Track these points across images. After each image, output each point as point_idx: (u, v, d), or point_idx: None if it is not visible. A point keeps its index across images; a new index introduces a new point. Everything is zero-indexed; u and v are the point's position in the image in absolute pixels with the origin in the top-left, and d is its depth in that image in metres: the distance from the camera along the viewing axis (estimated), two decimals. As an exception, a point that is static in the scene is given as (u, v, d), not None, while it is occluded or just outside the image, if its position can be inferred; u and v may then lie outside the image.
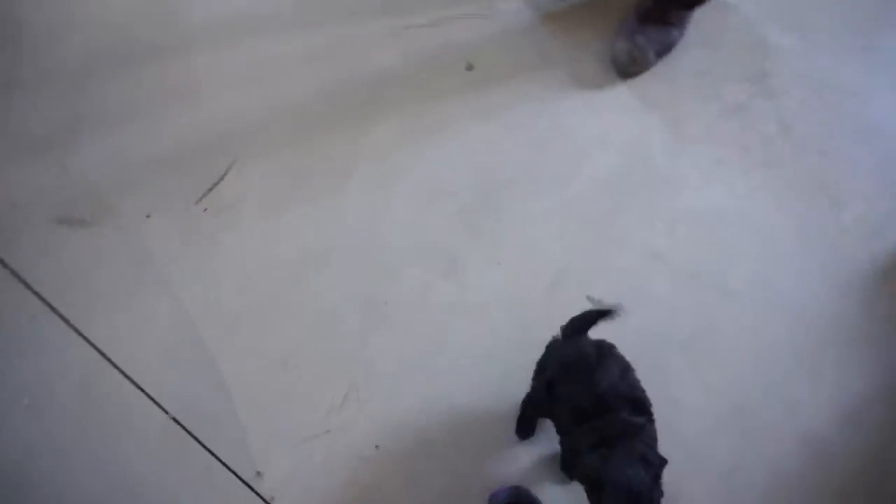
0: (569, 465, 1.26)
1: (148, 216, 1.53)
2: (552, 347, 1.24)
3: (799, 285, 1.49)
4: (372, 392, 1.38)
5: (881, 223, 1.55)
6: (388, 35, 1.75)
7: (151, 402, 1.36)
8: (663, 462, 1.04)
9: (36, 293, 1.44)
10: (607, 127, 1.65)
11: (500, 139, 1.63)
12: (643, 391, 1.14)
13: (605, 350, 1.16)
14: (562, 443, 1.21)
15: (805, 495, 1.32)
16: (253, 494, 1.30)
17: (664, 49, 1.71)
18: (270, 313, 1.44)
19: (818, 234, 1.54)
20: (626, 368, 1.15)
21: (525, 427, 1.33)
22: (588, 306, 1.44)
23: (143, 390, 1.37)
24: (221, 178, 1.57)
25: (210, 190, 1.56)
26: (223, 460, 1.32)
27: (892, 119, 1.68)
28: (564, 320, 1.41)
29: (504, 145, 1.62)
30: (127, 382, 1.37)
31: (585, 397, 1.10)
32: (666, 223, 1.54)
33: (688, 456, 1.34)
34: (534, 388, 1.28)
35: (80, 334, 1.40)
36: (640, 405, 1.12)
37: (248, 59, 1.72)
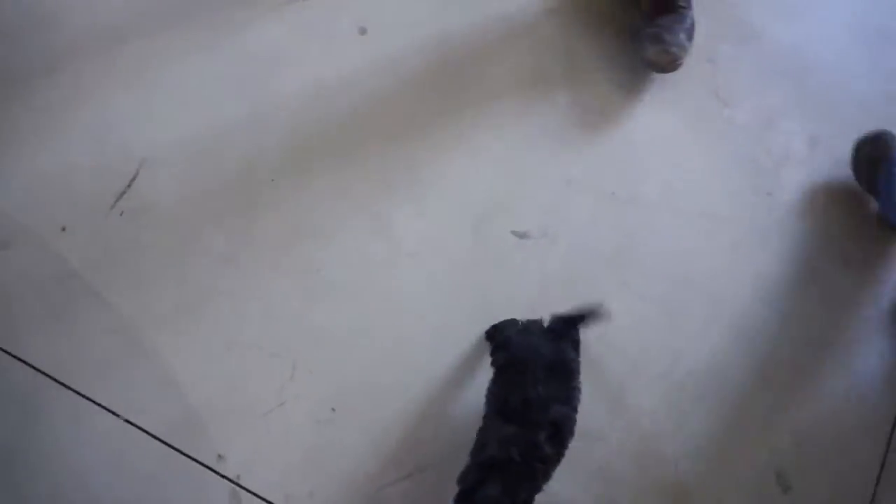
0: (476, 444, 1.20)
1: (63, 229, 1.50)
2: (526, 332, 1.23)
3: (707, 187, 1.58)
4: (320, 358, 1.40)
5: (772, 116, 1.64)
6: (270, 13, 1.72)
7: (102, 410, 1.36)
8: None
9: (-39, 326, 1.41)
10: (509, 65, 1.69)
11: (402, 93, 1.64)
12: (573, 423, 1.14)
13: (568, 367, 1.17)
14: (481, 428, 1.20)
15: (738, 380, 1.42)
16: (219, 478, 1.32)
17: (691, 30, 1.65)
18: (205, 303, 1.44)
19: (717, 136, 1.62)
20: (572, 395, 1.15)
21: None
22: (513, 241, 1.51)
23: (90, 399, 1.36)
24: (133, 180, 1.55)
25: (123, 194, 1.53)
26: (183, 451, 1.33)
27: (768, 19, 1.77)
28: (494, 258, 1.46)
29: (406, 99, 1.64)
30: (74, 396, 1.36)
31: (518, 399, 1.11)
32: (575, 150, 1.60)
33: (628, 363, 1.41)
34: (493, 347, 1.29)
35: (14, 356, 1.37)
36: (560, 435, 1.12)
37: (134, 58, 1.68)
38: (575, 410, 1.16)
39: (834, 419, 1.40)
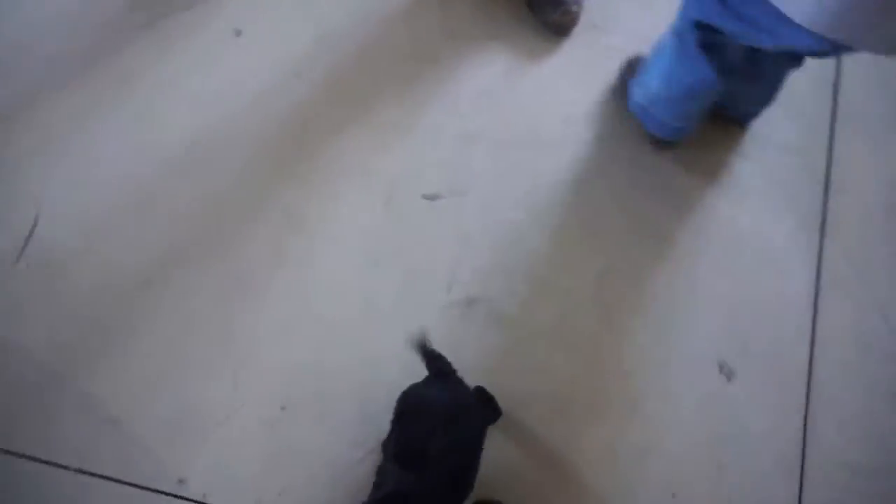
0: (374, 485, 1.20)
1: (-30, 295, 1.45)
2: (423, 385, 1.19)
3: (599, 113, 1.62)
4: (260, 361, 1.39)
5: (650, 35, 1.67)
6: (143, 30, 1.68)
7: (50, 466, 1.32)
8: None
9: None
10: (389, 42, 1.69)
11: (287, 87, 1.62)
12: (473, 474, 1.13)
13: (469, 412, 1.15)
14: (380, 469, 1.21)
15: (663, 284, 1.48)
16: (185, 502, 1.30)
17: None
18: (129, 334, 1.41)
19: (600, 64, 1.66)
20: (472, 444, 1.13)
21: None
22: (425, 205, 1.52)
23: (34, 458, 1.32)
24: (32, 232, 1.50)
25: (25, 247, 1.49)
26: (142, 485, 1.31)
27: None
28: (411, 225, 1.47)
29: (293, 92, 1.62)
30: (18, 461, 1.33)
31: (416, 448, 1.08)
32: (467, 107, 1.62)
33: (561, 291, 1.45)
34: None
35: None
36: (456, 485, 1.10)
37: (19, 105, 1.63)
38: (475, 461, 1.14)
39: (760, 302, 1.47)
